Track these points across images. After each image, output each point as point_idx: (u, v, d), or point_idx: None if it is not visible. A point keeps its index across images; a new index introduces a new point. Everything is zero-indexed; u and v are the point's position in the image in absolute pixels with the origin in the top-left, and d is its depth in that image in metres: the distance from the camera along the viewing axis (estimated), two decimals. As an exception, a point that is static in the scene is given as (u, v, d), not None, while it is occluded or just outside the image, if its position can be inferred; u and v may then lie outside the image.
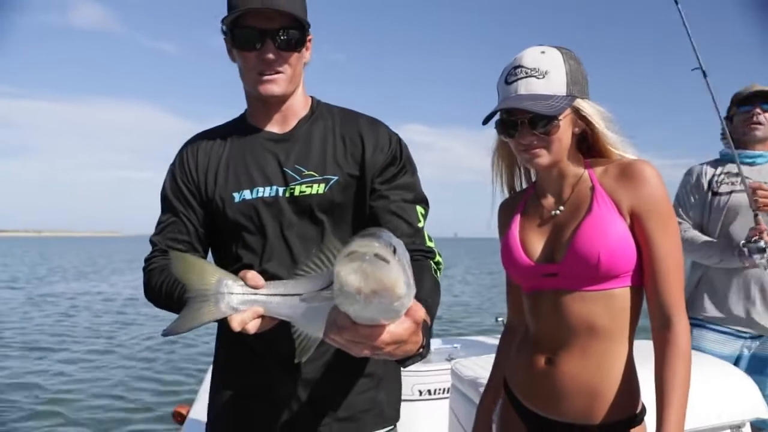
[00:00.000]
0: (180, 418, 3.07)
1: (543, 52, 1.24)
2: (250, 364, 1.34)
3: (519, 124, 1.24)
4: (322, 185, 1.29)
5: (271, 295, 1.04)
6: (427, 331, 0.97)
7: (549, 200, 1.36)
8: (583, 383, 1.24)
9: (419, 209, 1.32)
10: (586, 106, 1.25)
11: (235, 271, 1.26)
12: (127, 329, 11.85)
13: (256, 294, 1.04)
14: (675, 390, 1.15)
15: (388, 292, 0.70)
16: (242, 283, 1.05)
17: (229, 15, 1.24)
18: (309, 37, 1.33)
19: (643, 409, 1.28)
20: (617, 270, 1.21)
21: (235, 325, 1.01)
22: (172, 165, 1.40)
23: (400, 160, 1.35)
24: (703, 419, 1.79)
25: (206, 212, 1.35)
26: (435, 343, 3.39)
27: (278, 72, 1.27)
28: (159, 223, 1.37)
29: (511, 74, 1.25)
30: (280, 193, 1.30)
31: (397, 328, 0.79)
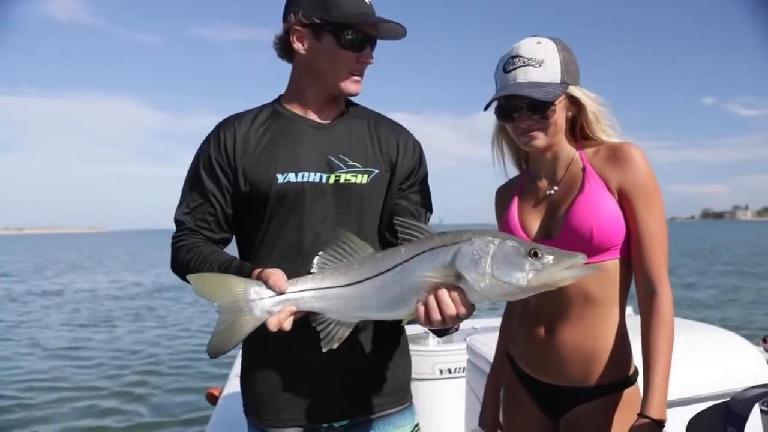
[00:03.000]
0: (213, 399, 3.18)
1: (539, 43, 1.33)
2: (280, 345, 1.36)
3: (518, 109, 1.33)
4: (366, 176, 1.39)
5: (301, 291, 1.12)
6: None
7: (544, 181, 1.44)
8: (580, 349, 1.33)
9: (427, 215, 1.50)
10: (578, 92, 1.34)
11: (267, 255, 1.35)
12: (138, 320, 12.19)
13: (286, 294, 1.11)
14: (659, 355, 1.23)
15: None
16: (267, 286, 1.11)
17: (342, 16, 1.31)
18: None
19: (636, 372, 1.38)
20: (608, 243, 1.30)
21: (273, 327, 1.09)
22: (206, 144, 1.40)
23: (420, 167, 1.50)
24: (708, 387, 1.85)
25: (239, 193, 1.37)
26: None
27: (362, 74, 1.40)
28: (187, 202, 1.39)
29: (509, 63, 1.34)
30: (324, 180, 1.37)
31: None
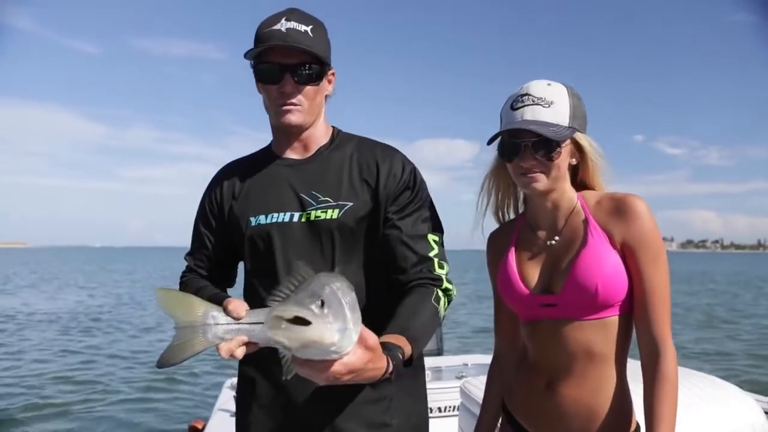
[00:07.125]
0: None
1: (549, 85, 1.32)
2: (266, 385, 1.36)
3: (522, 147, 1.28)
4: (336, 210, 1.34)
5: (253, 323, 1.11)
6: (398, 356, 1.06)
7: (543, 231, 1.39)
8: (581, 406, 1.29)
9: (431, 238, 1.37)
10: (584, 141, 1.32)
11: (253, 296, 1.35)
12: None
13: (239, 324, 1.11)
14: (664, 419, 1.20)
15: (316, 344, 0.84)
16: (226, 312, 1.11)
17: (251, 50, 1.32)
18: (331, 71, 1.41)
19: (638, 429, 1.32)
20: (613, 299, 1.26)
21: (223, 354, 1.08)
22: (205, 192, 1.49)
23: (413, 189, 1.38)
24: None
25: (226, 238, 1.44)
26: (445, 361, 3.47)
27: (295, 105, 1.34)
28: (191, 244, 1.50)
29: (518, 101, 1.31)
30: (295, 219, 1.35)
31: (350, 359, 0.90)
